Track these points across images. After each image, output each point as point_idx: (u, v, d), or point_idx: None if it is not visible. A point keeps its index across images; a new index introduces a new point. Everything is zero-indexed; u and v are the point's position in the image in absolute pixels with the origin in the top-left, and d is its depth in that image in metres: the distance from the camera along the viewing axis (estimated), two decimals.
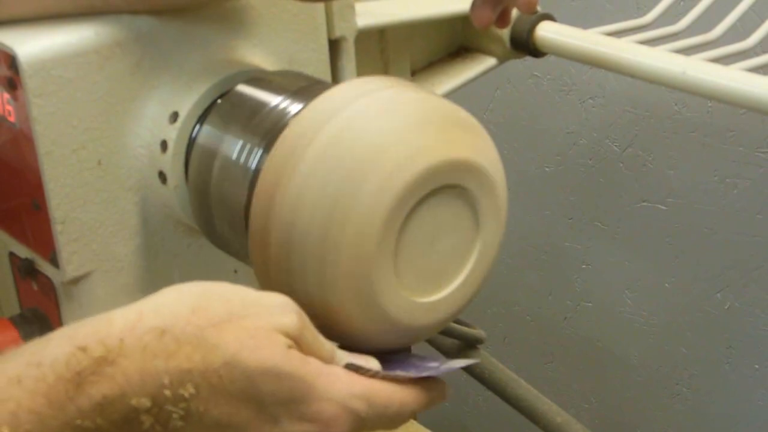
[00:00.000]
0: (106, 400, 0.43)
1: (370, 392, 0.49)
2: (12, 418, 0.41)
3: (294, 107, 0.58)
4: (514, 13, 0.81)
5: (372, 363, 0.52)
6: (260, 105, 0.60)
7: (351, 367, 0.50)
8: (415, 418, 1.17)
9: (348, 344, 0.53)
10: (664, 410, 1.31)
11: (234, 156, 0.58)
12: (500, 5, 0.69)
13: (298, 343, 0.48)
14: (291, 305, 0.48)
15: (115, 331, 0.44)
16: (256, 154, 0.57)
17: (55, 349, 0.43)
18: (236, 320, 0.46)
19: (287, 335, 0.47)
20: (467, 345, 1.02)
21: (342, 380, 0.48)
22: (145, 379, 0.43)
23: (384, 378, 0.50)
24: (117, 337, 0.44)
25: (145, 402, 0.43)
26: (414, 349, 0.58)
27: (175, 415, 0.44)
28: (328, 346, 0.50)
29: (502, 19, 0.72)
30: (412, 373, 0.51)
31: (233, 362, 0.45)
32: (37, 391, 0.42)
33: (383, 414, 0.49)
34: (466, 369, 1.02)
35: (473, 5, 0.69)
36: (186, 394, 0.44)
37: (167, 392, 0.44)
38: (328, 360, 0.49)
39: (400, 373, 0.51)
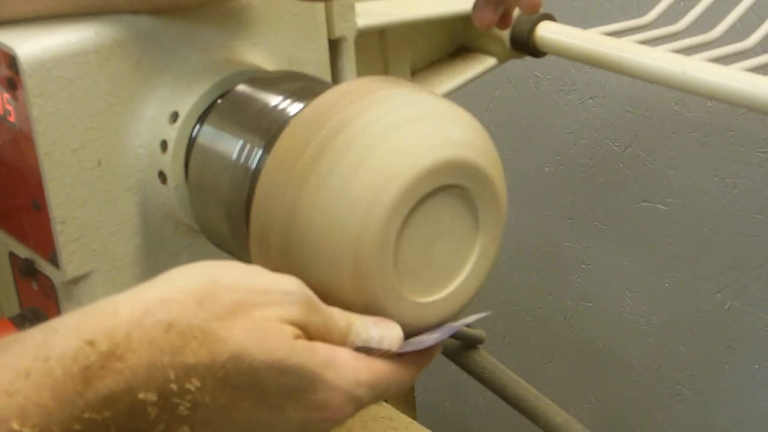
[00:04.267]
0: (113, 394, 0.43)
1: (374, 378, 0.49)
2: (20, 412, 0.41)
3: (294, 107, 0.58)
4: (515, 12, 0.81)
5: (394, 331, 0.51)
6: (260, 105, 0.60)
7: (360, 350, 0.50)
8: (414, 411, 1.17)
9: None
10: (664, 410, 1.31)
11: (234, 156, 0.58)
12: (502, 6, 0.69)
13: (305, 330, 0.48)
14: (299, 293, 0.48)
15: (122, 324, 0.44)
16: (256, 154, 0.57)
17: (62, 342, 0.43)
18: (243, 311, 0.46)
19: (294, 324, 0.47)
20: (467, 345, 1.02)
21: (348, 367, 0.49)
22: (151, 373, 0.44)
23: (393, 357, 0.51)
24: (124, 330, 0.44)
25: (152, 396, 0.44)
26: None
27: (181, 407, 0.44)
28: (342, 325, 0.50)
29: (504, 19, 0.71)
30: (425, 339, 0.52)
31: (240, 355, 0.45)
32: (45, 385, 0.42)
33: (382, 395, 0.50)
34: (466, 369, 1.02)
35: (475, 6, 0.69)
36: (192, 388, 0.44)
37: (173, 386, 0.44)
38: (341, 342, 0.49)
39: (411, 348, 0.51)
